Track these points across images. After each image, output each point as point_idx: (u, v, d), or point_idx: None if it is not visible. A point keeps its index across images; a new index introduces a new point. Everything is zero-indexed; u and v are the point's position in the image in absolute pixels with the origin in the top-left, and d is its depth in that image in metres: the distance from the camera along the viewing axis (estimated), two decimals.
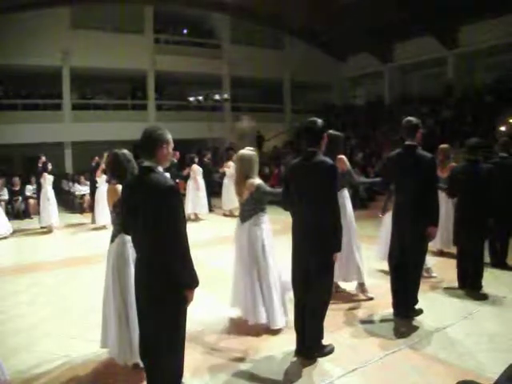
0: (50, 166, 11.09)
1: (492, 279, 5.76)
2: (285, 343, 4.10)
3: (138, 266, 3.06)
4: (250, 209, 4.55)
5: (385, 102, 22.56)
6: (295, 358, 3.88)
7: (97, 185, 11.12)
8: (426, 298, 4.97)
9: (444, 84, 19.57)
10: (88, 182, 13.95)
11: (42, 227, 11.31)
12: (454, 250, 6.07)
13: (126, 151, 4.03)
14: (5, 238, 10.36)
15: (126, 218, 3.22)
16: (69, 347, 4.26)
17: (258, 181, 4.53)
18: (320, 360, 3.82)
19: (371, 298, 5.30)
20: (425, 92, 21.10)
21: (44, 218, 11.15)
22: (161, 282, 2.89)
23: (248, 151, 4.69)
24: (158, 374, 3.02)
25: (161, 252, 2.85)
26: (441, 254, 7.15)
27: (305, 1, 18.01)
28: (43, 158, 11.32)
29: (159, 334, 2.95)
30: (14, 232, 10.95)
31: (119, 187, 3.94)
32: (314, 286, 3.78)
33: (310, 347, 3.88)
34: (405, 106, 19.43)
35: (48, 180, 11.05)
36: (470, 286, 5.49)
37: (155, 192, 2.86)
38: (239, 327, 4.61)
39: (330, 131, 5.01)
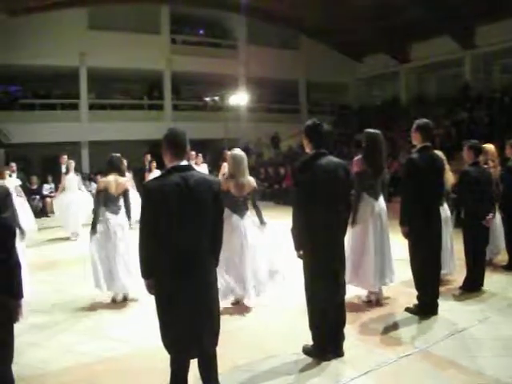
0: (72, 165, 10.46)
1: (508, 283, 5.70)
2: (299, 342, 4.08)
3: (184, 260, 2.93)
4: (246, 203, 5.28)
5: (401, 103, 22.34)
6: (310, 358, 3.87)
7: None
8: (442, 301, 4.92)
9: (461, 85, 19.33)
10: None
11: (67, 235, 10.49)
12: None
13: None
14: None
15: (171, 216, 2.95)
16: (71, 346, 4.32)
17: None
18: (333, 361, 3.82)
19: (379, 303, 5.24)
20: (441, 93, 20.87)
21: (68, 225, 10.44)
22: (212, 270, 3.15)
23: (239, 151, 5.29)
24: (215, 362, 3.12)
25: (212, 243, 3.12)
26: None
27: (320, 1, 17.94)
28: (66, 158, 10.72)
29: (215, 319, 3.09)
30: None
31: None
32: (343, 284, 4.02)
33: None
34: (421, 107, 19.22)
35: (72, 181, 10.39)
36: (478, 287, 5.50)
37: (211, 188, 3.05)
38: (252, 325, 4.63)
39: (368, 130, 5.16)
